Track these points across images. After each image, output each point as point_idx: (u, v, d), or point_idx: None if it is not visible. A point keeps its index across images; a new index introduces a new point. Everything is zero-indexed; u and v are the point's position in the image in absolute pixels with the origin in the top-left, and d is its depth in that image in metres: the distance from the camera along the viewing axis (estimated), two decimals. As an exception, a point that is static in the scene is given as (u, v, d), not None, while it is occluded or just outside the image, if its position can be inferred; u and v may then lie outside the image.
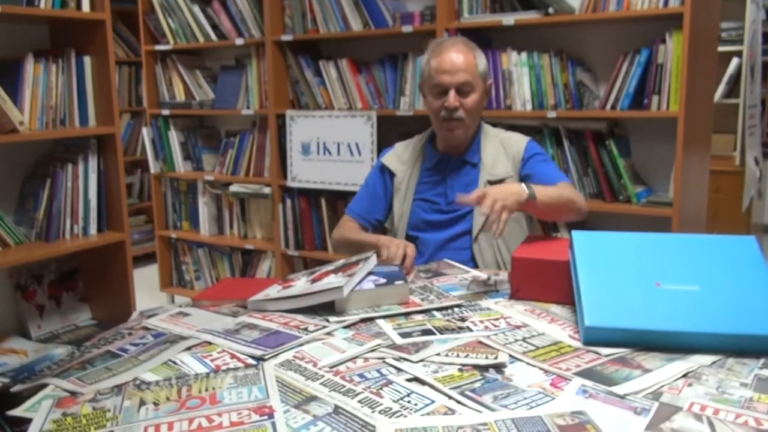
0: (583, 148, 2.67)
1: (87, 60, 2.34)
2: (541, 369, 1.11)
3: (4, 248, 2.23)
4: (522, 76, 2.73)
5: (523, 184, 1.63)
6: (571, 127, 2.70)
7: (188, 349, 1.23)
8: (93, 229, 2.39)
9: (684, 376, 1.08)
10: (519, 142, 1.98)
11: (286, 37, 3.23)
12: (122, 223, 2.43)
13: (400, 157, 2.06)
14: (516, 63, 2.73)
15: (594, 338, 1.20)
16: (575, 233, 1.41)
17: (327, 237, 3.31)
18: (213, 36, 3.53)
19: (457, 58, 1.86)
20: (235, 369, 1.13)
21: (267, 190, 3.45)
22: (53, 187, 2.29)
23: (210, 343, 1.25)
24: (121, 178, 2.41)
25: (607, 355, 1.16)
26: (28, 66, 2.19)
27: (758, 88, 4.29)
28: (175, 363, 1.18)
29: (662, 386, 1.04)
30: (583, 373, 1.08)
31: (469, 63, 1.87)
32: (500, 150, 1.97)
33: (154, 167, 3.85)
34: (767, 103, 5.16)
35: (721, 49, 3.57)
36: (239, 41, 3.40)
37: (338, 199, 3.30)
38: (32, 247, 2.27)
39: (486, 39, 2.90)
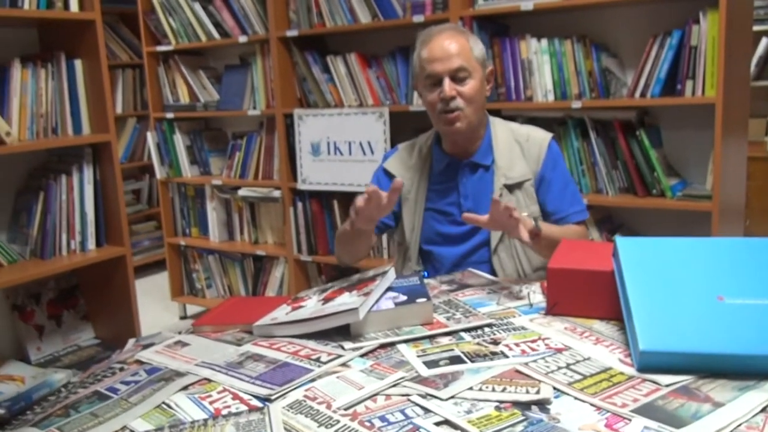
0: (611, 139, 2.49)
1: (78, 63, 2.20)
2: (592, 405, 0.95)
3: (-3, 268, 2.10)
4: (543, 64, 2.55)
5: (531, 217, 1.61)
6: (597, 118, 2.51)
7: (185, 388, 1.08)
8: (91, 243, 2.25)
9: (763, 410, 0.91)
10: (540, 140, 1.79)
11: (291, 33, 3.08)
12: (122, 237, 2.28)
13: (405, 162, 1.87)
14: (536, 51, 2.56)
15: (650, 364, 1.04)
16: (620, 240, 1.24)
17: (341, 241, 3.15)
18: (216, 34, 3.38)
19: (448, 44, 1.69)
20: (237, 414, 0.98)
21: (277, 193, 3.30)
22: (46, 200, 2.15)
23: (209, 380, 1.10)
24: (119, 188, 2.26)
25: (667, 385, 0.99)
26: (15, 72, 2.06)
27: (789, 69, 4.07)
28: (169, 407, 1.03)
29: (739, 425, 0.88)
30: (643, 410, 0.92)
31: (462, 47, 1.70)
32: (515, 148, 1.78)
33: (160, 173, 3.72)
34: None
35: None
36: (243, 38, 3.25)
37: (351, 201, 3.14)
38: (27, 265, 2.13)
39: (503, 27, 2.73)
